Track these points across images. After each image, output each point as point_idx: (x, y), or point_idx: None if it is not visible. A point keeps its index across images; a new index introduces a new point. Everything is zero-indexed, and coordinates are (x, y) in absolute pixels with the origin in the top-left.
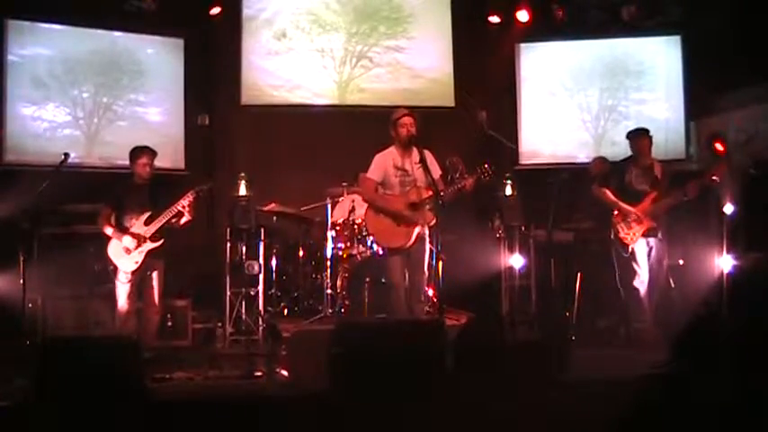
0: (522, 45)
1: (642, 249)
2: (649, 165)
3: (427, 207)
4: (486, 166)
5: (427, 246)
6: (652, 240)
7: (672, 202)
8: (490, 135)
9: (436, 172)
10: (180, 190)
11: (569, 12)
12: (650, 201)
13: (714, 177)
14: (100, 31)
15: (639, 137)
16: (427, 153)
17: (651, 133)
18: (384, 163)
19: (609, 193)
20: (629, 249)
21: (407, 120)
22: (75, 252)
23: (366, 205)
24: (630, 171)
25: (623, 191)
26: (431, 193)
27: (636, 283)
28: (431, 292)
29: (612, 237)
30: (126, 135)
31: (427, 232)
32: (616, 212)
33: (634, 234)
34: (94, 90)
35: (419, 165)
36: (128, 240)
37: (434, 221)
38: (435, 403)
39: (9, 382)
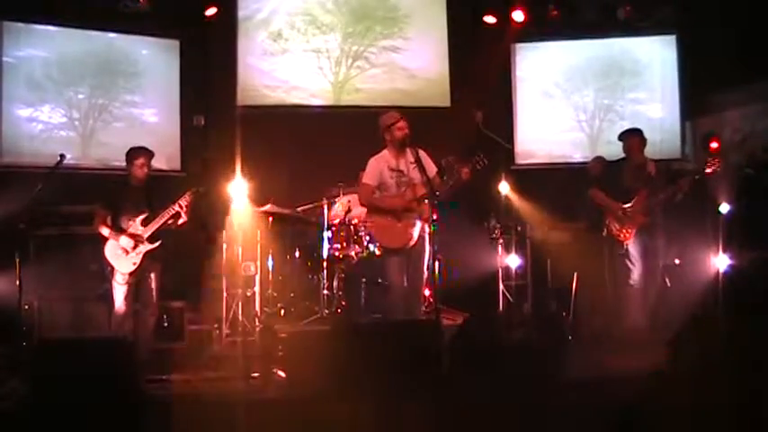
0: (518, 45)
1: (636, 247)
2: (642, 163)
3: (425, 203)
4: (479, 155)
5: (427, 247)
6: (647, 238)
7: (665, 198)
8: (486, 135)
9: (432, 170)
10: (176, 191)
11: (565, 12)
12: (643, 197)
13: (708, 170)
14: (95, 33)
15: (630, 137)
16: (421, 152)
17: (643, 132)
18: (379, 166)
19: (601, 194)
20: (624, 247)
21: (402, 123)
22: (71, 253)
23: (365, 208)
24: (624, 170)
25: (617, 190)
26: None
27: (630, 281)
28: (427, 292)
29: (605, 235)
30: (122, 136)
31: (427, 232)
32: (609, 211)
33: (627, 232)
34: (90, 91)
35: (414, 164)
36: (126, 241)
37: (435, 216)
38: (432, 403)
39: (4, 383)
